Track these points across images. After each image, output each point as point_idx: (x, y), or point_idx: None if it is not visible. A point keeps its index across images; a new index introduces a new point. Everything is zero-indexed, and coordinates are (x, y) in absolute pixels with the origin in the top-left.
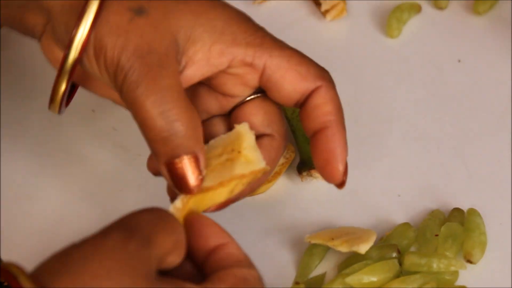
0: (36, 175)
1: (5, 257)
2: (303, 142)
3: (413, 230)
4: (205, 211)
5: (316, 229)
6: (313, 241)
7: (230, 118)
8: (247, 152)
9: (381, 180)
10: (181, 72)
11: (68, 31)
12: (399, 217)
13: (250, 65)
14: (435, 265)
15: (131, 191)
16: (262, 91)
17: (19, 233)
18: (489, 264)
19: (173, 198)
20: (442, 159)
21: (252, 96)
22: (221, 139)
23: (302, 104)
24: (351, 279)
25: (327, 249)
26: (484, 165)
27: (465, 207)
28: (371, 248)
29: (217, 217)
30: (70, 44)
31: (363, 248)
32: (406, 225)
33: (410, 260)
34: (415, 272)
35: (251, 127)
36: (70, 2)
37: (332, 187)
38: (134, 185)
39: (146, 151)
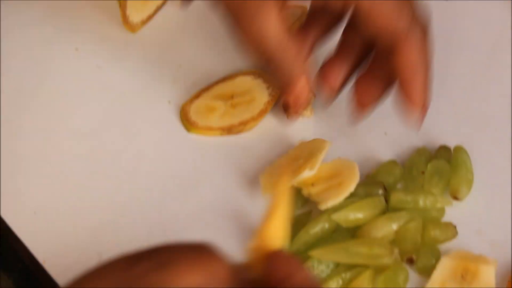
0: (19, 114)
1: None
2: None
3: (400, 168)
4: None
5: None
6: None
7: None
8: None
9: (368, 118)
10: None
11: None
12: (386, 155)
13: None
14: (421, 202)
15: (115, 128)
16: None
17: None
18: (475, 201)
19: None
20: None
21: None
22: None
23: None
24: (337, 216)
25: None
26: (471, 102)
27: (451, 144)
28: (357, 185)
29: (204, 159)
30: None
31: (330, 203)
32: (392, 162)
33: (396, 197)
34: (401, 209)
35: None
36: None
37: (317, 125)
38: (118, 123)
39: (130, 89)
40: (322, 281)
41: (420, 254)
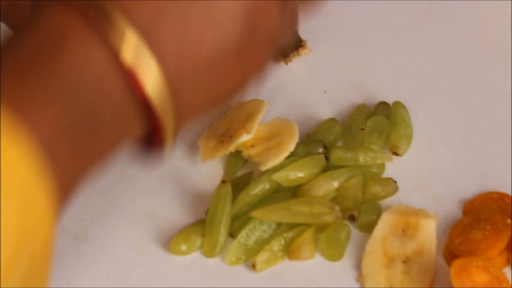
0: None
1: None
2: None
3: (339, 125)
4: None
5: None
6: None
7: None
8: None
9: (307, 77)
10: None
11: None
12: (325, 113)
13: None
14: (361, 159)
15: None
16: None
17: None
18: (415, 156)
19: None
20: (367, 53)
21: None
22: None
23: None
24: (277, 176)
25: None
26: (409, 57)
27: (390, 100)
28: (297, 144)
29: None
30: None
31: (270, 164)
32: (332, 120)
33: (336, 155)
34: (341, 167)
35: None
36: None
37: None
38: None
39: None
40: (265, 242)
41: (361, 211)
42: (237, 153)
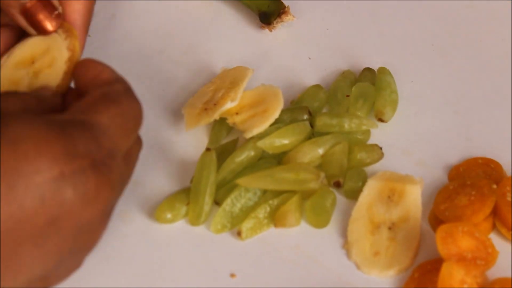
0: None
1: None
2: None
3: (324, 92)
4: None
5: None
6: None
7: None
8: None
9: (291, 44)
10: None
11: None
12: (310, 79)
13: None
14: (346, 125)
15: None
16: None
17: None
18: (400, 122)
19: None
20: (352, 19)
21: None
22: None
23: None
24: (262, 143)
25: None
26: (394, 23)
27: (376, 66)
28: (282, 111)
29: None
30: None
31: (255, 131)
32: (317, 86)
33: (322, 121)
34: (326, 133)
35: None
36: None
37: (240, 51)
38: None
39: None
40: (250, 209)
41: (346, 177)
42: (222, 121)
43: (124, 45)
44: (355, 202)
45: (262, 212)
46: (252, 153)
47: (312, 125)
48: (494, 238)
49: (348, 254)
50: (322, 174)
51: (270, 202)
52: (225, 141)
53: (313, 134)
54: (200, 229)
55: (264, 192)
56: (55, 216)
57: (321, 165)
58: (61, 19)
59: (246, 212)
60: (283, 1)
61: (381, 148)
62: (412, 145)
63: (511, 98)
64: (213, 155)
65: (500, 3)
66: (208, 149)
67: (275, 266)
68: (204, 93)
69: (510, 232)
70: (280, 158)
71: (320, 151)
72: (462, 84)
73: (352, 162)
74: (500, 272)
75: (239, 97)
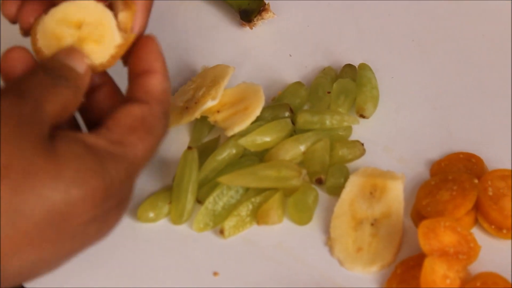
0: None
1: None
2: None
3: (305, 89)
4: None
5: None
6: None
7: None
8: None
9: (272, 41)
10: None
11: None
12: (291, 77)
13: None
14: (328, 122)
15: None
16: None
17: None
18: (381, 117)
19: None
20: (333, 15)
21: None
22: None
23: None
24: (243, 141)
25: None
26: (374, 19)
27: (356, 62)
28: (263, 108)
29: None
30: None
31: (236, 129)
32: (298, 83)
33: (303, 118)
34: (308, 130)
35: None
36: None
37: (221, 50)
38: None
39: None
40: (233, 207)
41: (328, 174)
42: (203, 119)
43: None
44: (338, 199)
45: (244, 210)
46: (234, 151)
47: (293, 122)
48: (476, 232)
49: (331, 250)
50: (304, 171)
51: (252, 199)
52: (206, 140)
53: (295, 131)
54: (183, 228)
55: (246, 190)
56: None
57: (303, 162)
58: None
59: (229, 210)
60: None
61: (362, 144)
62: (394, 141)
63: (491, 93)
64: (194, 154)
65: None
66: (189, 148)
67: (258, 264)
68: (185, 92)
69: (492, 227)
70: (262, 156)
71: (302, 148)
72: (443, 80)
73: (334, 158)
74: (483, 266)
75: (220, 95)
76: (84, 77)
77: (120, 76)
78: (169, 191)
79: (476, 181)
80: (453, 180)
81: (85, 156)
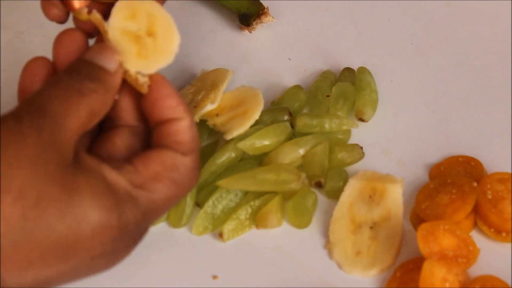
0: None
1: None
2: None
3: (304, 92)
4: None
5: None
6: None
7: None
8: None
9: (271, 45)
10: None
11: None
12: (290, 80)
13: None
14: (327, 125)
15: None
16: None
17: None
18: (380, 121)
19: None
20: (332, 19)
21: None
22: None
23: None
24: (243, 144)
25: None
26: (373, 23)
27: (355, 66)
28: (262, 112)
29: None
30: None
31: (235, 133)
32: (297, 87)
33: (302, 122)
34: (307, 134)
35: None
36: None
37: (219, 54)
38: None
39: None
40: (232, 211)
41: (328, 178)
42: (202, 123)
43: None
44: (337, 202)
45: (243, 213)
46: (233, 155)
47: (292, 126)
48: (475, 235)
49: (330, 254)
50: (303, 175)
51: (252, 203)
52: (205, 143)
53: (294, 135)
54: (182, 231)
55: (245, 193)
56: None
57: (302, 165)
58: None
59: (228, 214)
60: (262, 2)
61: (361, 148)
62: (393, 144)
63: (490, 96)
64: None
65: (478, 3)
66: None
67: (257, 267)
68: (184, 95)
69: (491, 230)
70: (261, 159)
71: (301, 151)
72: (442, 83)
73: (333, 162)
74: (482, 269)
75: (219, 99)
76: (115, 76)
77: None
78: None
79: (475, 184)
80: (452, 184)
81: (103, 194)
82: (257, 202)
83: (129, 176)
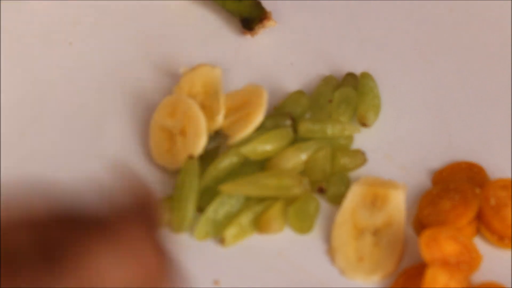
0: None
1: None
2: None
3: (307, 97)
4: None
5: None
6: None
7: None
8: None
9: (273, 49)
10: None
11: None
12: (292, 85)
13: None
14: (329, 131)
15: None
16: None
17: None
18: (383, 126)
19: None
20: (334, 24)
21: None
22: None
23: None
24: (245, 149)
25: None
26: (376, 28)
27: (358, 71)
28: (265, 117)
29: None
30: None
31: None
32: (299, 92)
33: (304, 127)
34: (309, 139)
35: None
36: None
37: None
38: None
39: None
40: (234, 216)
41: (330, 183)
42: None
43: (103, 51)
44: (339, 208)
45: (245, 218)
46: (235, 160)
47: (295, 131)
48: (478, 242)
49: (332, 259)
50: (305, 180)
51: (254, 208)
52: (207, 148)
53: (296, 140)
54: (184, 236)
55: (247, 198)
56: None
57: (304, 171)
58: None
59: (230, 219)
60: (264, 6)
61: (364, 153)
62: (395, 150)
63: (493, 102)
64: (195, 162)
65: (482, 7)
66: (190, 156)
67: (259, 273)
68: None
69: (494, 236)
70: (263, 164)
71: (303, 156)
72: (445, 88)
73: (335, 167)
74: (484, 276)
75: (221, 115)
76: None
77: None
78: (170, 199)
79: (478, 190)
80: (455, 190)
81: None
82: (259, 208)
83: None
